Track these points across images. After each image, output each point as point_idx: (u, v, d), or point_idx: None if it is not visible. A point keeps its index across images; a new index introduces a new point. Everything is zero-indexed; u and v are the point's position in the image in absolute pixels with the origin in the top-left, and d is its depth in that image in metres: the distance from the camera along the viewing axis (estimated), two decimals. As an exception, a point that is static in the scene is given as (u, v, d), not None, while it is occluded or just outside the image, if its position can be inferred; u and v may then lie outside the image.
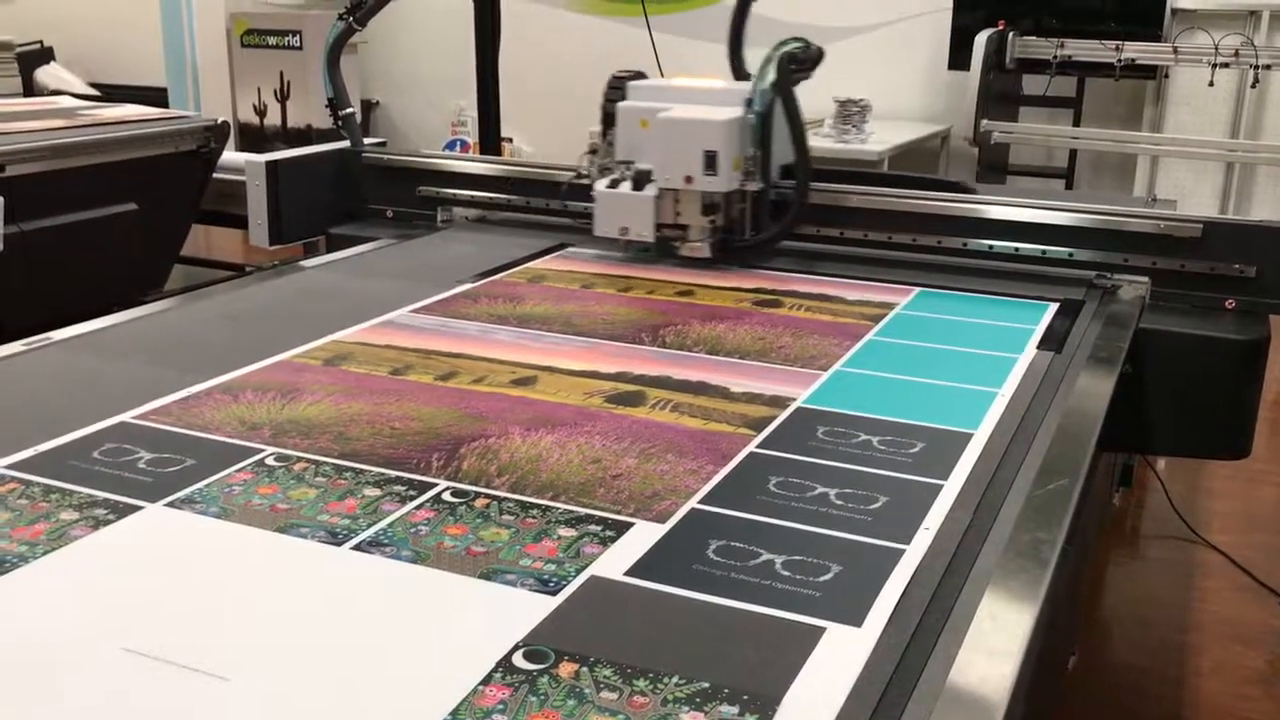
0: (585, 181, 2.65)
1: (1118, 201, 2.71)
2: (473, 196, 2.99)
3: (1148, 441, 2.40)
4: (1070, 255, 2.44)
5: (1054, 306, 2.24)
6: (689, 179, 2.45)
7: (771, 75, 2.47)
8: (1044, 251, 2.46)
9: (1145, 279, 2.37)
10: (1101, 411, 1.70)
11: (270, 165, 2.91)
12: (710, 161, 2.43)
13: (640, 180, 2.50)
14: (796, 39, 2.54)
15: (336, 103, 3.09)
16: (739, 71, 2.91)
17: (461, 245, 2.78)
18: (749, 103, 2.48)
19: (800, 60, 2.52)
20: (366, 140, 3.25)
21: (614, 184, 2.53)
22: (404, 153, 3.20)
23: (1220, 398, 2.25)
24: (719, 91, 2.58)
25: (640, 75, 2.69)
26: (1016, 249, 2.48)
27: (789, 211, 2.53)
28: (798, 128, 2.50)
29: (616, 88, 2.64)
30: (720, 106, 2.48)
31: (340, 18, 3.07)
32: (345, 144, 3.14)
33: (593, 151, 2.67)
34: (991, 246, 2.50)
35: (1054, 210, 2.48)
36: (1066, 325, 2.12)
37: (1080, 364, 1.92)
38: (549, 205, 2.89)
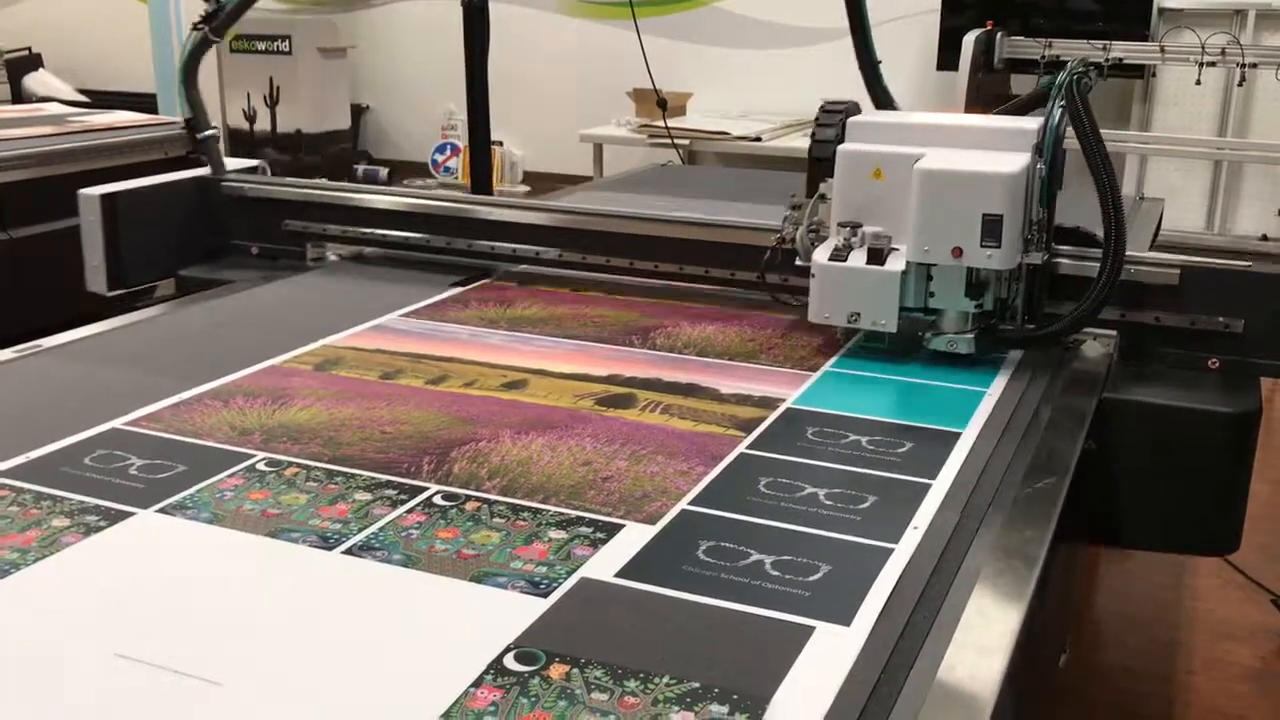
0: (790, 247, 2.05)
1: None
2: (345, 232, 2.58)
3: (1116, 533, 1.95)
4: None
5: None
6: (958, 251, 1.80)
7: (1059, 106, 1.85)
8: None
9: (1112, 333, 1.98)
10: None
11: (107, 199, 2.50)
12: (992, 229, 1.78)
13: (878, 251, 1.86)
14: (1083, 61, 1.93)
15: (195, 124, 2.75)
16: (880, 100, 2.33)
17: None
18: (1039, 149, 1.86)
19: (1086, 84, 1.89)
20: (246, 164, 2.92)
21: (838, 255, 1.88)
22: (270, 181, 2.79)
23: (1203, 483, 1.85)
24: (991, 131, 1.93)
25: (855, 107, 2.12)
26: None
27: (1090, 294, 1.85)
28: (1107, 178, 1.82)
29: (828, 125, 2.03)
30: (999, 153, 1.84)
31: (195, 28, 2.70)
32: (204, 170, 2.75)
33: (795, 208, 2.06)
34: None
35: None
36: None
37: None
38: (435, 243, 2.51)
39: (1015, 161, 1.81)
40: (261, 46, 6.83)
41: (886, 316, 1.86)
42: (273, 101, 6.87)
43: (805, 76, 6.30)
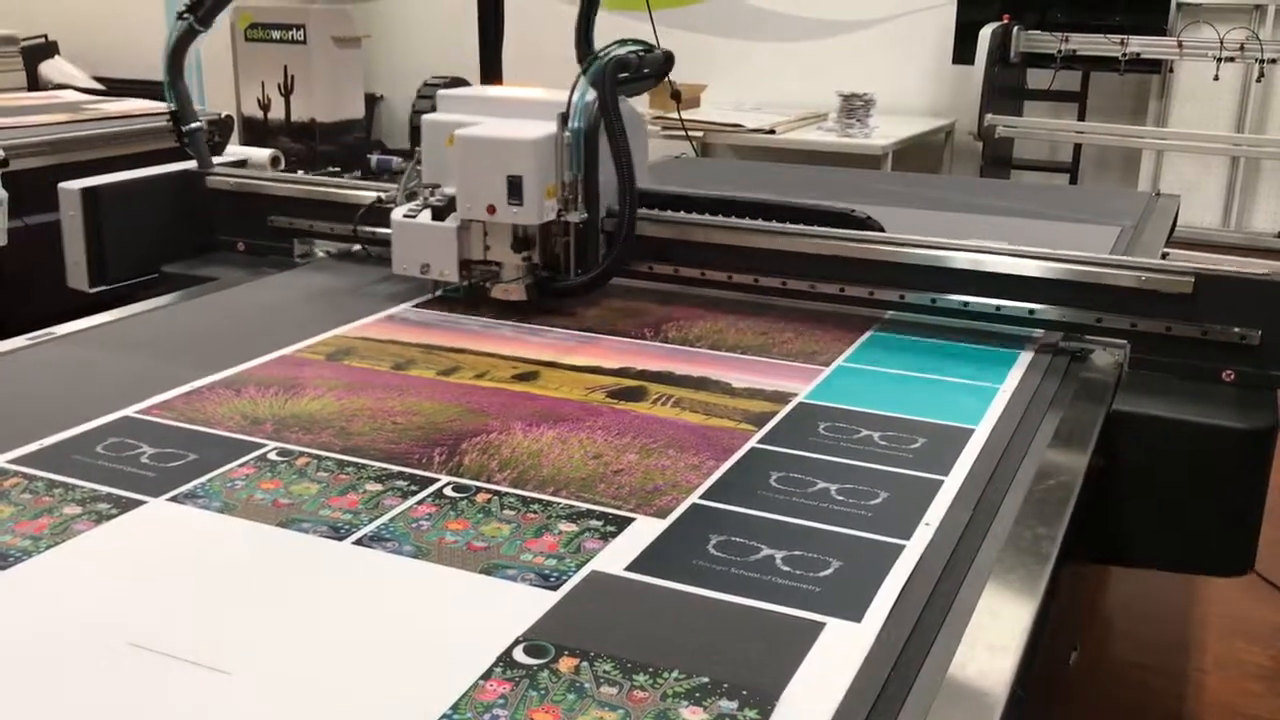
0: (389, 206, 2.26)
1: (1118, 200, 2.16)
2: (333, 229, 2.50)
3: (1124, 552, 1.90)
4: (1031, 313, 1.98)
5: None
6: (491, 208, 2.06)
7: (591, 88, 2.11)
8: (998, 307, 1.99)
9: (1123, 343, 1.93)
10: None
11: (88, 193, 2.44)
12: (515, 188, 2.03)
13: (442, 209, 2.12)
14: (636, 40, 2.22)
15: (180, 116, 2.66)
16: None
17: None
18: (564, 118, 2.09)
19: (632, 67, 2.15)
20: (237, 157, 2.89)
21: (412, 213, 2.15)
22: (255, 175, 2.75)
23: (1216, 501, 1.78)
24: (540, 103, 2.16)
25: (461, 81, 2.36)
26: (965, 304, 2.02)
27: (612, 249, 2.15)
28: (621, 149, 2.11)
29: (426, 96, 2.30)
30: (534, 121, 2.09)
31: (180, 16, 2.62)
32: (190, 164, 2.68)
33: (398, 172, 2.30)
34: (934, 300, 2.04)
35: (1012, 256, 2.00)
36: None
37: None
38: None
39: (539, 129, 2.06)
40: (276, 36, 6.83)
41: (449, 268, 2.12)
42: (287, 91, 6.87)
43: (819, 69, 6.27)
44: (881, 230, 2.15)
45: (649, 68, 2.20)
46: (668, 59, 2.23)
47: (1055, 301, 1.97)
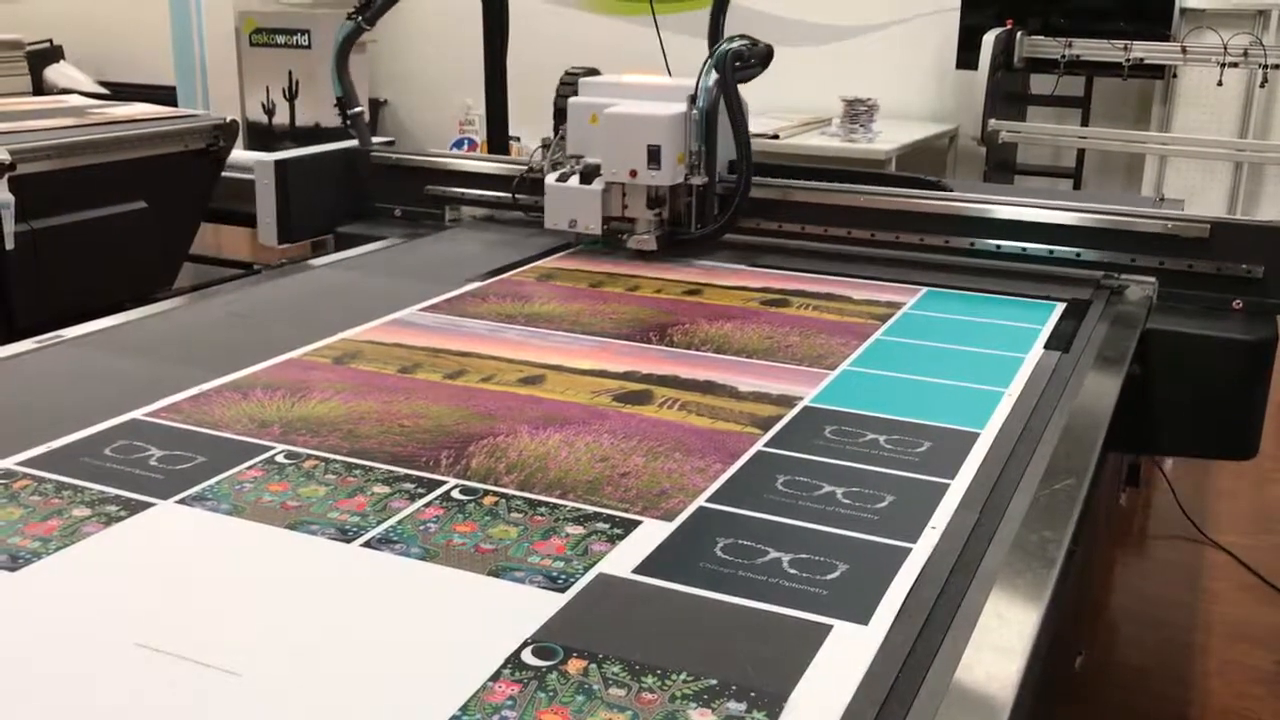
0: (538, 175, 2.71)
1: (1124, 201, 2.71)
2: (480, 196, 3.00)
3: (1154, 442, 2.39)
4: (1078, 255, 2.43)
5: (1060, 306, 2.25)
6: (634, 173, 2.51)
7: (714, 72, 2.51)
8: (1051, 252, 2.45)
9: (1152, 279, 2.37)
10: (1109, 412, 1.70)
11: (279, 164, 2.92)
12: (654, 156, 2.48)
13: (588, 174, 2.57)
14: (743, 36, 2.57)
15: (346, 101, 3.10)
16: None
17: (468, 245, 2.79)
18: (693, 99, 2.52)
19: (745, 57, 2.54)
20: (374, 139, 3.24)
21: (563, 178, 2.60)
22: (412, 152, 3.21)
23: (1228, 398, 2.24)
24: (667, 88, 2.60)
25: (594, 72, 2.73)
26: (1024, 249, 2.47)
27: (731, 205, 2.58)
28: (740, 123, 2.54)
29: (569, 84, 2.69)
30: (666, 102, 2.52)
31: (349, 17, 3.07)
32: (353, 143, 3.14)
33: (545, 146, 2.73)
34: (999, 247, 2.49)
35: (1061, 210, 2.47)
36: (1073, 325, 2.13)
37: (1087, 364, 1.92)
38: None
39: (672, 109, 2.51)
40: (281, 40, 6.84)
41: (593, 222, 2.58)
42: (292, 95, 6.88)
43: (823, 74, 6.27)
44: (951, 191, 2.66)
45: (756, 58, 2.57)
46: (770, 52, 2.58)
47: (1096, 246, 2.42)
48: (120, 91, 5.79)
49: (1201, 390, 2.23)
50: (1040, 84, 6.01)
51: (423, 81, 7.60)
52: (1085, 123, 5.98)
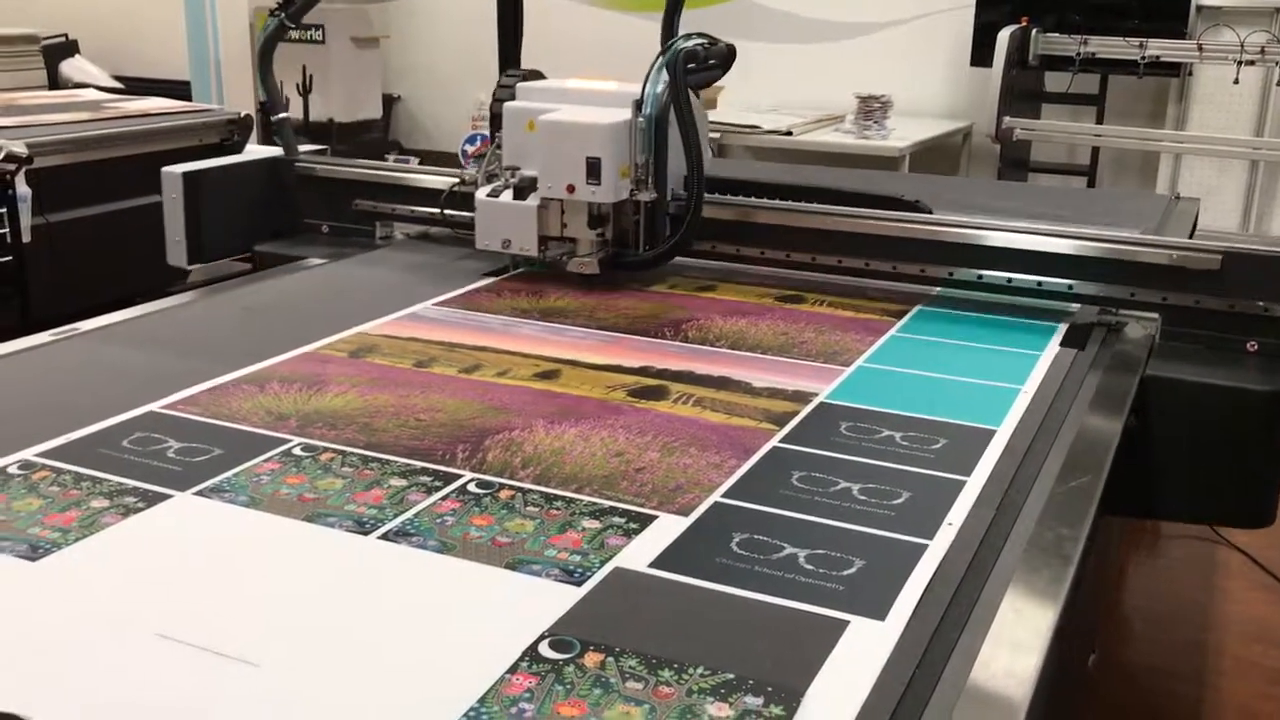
0: (470, 189, 2.42)
1: (1138, 199, 2.52)
2: (412, 212, 2.67)
3: (1154, 506, 2.04)
4: (1070, 288, 2.14)
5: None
6: (571, 188, 2.22)
7: (664, 74, 2.24)
8: (1040, 284, 2.16)
9: (1155, 316, 2.08)
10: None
11: (189, 177, 2.61)
12: (593, 169, 2.19)
13: (523, 189, 2.29)
14: (701, 34, 2.29)
15: (270, 106, 2.85)
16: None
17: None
18: (638, 105, 2.25)
19: (701, 58, 2.24)
20: (302, 148, 2.94)
21: (495, 193, 2.32)
22: (340, 162, 2.90)
23: (1239, 458, 1.92)
24: (614, 94, 2.32)
25: (537, 75, 2.48)
26: (1009, 280, 2.18)
27: (681, 227, 2.28)
28: (691, 134, 2.23)
29: (506, 86, 2.42)
30: (609, 109, 2.25)
31: (272, 14, 2.80)
32: (277, 151, 2.84)
33: (479, 156, 2.47)
34: (980, 276, 2.21)
35: (1052, 237, 2.17)
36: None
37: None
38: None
39: (615, 115, 2.21)
40: (295, 35, 6.81)
41: (529, 243, 2.29)
42: (305, 90, 6.89)
43: (837, 71, 6.26)
44: (930, 213, 2.32)
45: (715, 59, 2.28)
46: (730, 51, 2.31)
47: (1092, 278, 2.12)
48: (135, 86, 5.81)
49: (1209, 448, 1.93)
50: (1055, 81, 5.98)
51: (436, 77, 7.60)
52: (1100, 120, 5.96)
